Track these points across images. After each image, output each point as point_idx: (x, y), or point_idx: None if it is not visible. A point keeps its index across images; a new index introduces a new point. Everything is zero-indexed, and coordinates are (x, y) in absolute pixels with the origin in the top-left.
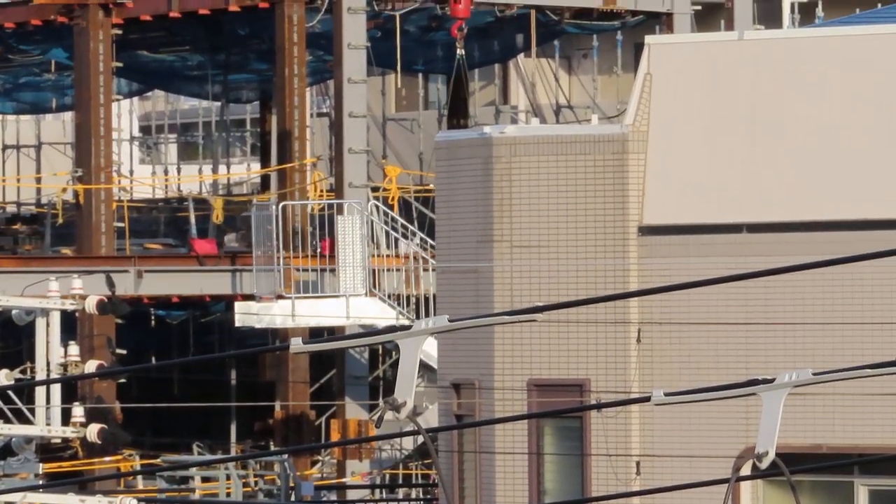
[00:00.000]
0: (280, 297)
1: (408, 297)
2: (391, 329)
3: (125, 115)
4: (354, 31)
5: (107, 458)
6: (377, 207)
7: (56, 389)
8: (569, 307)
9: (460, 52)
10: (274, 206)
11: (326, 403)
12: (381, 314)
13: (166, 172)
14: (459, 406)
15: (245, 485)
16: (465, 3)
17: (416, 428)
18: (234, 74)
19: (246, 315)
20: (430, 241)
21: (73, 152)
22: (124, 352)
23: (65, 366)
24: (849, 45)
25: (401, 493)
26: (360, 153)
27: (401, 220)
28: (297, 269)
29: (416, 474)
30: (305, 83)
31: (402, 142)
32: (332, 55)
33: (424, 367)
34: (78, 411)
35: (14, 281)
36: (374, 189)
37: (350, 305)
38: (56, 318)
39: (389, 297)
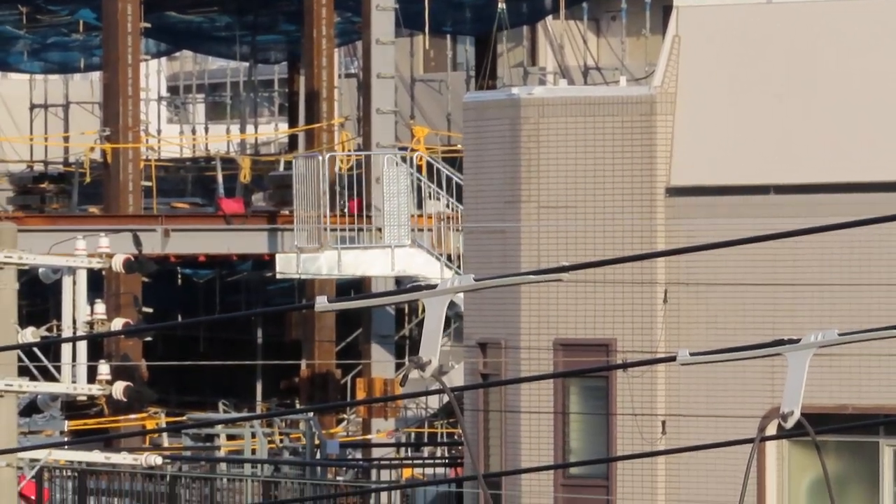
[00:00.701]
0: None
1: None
2: (417, 288)
3: (153, 75)
4: None
5: (132, 416)
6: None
7: (82, 347)
8: (595, 267)
9: (501, 5)
10: (319, 158)
11: (352, 362)
12: (425, 265)
13: (194, 132)
14: (485, 365)
15: (270, 443)
16: None
17: (441, 387)
18: (263, 35)
19: (287, 267)
20: (456, 202)
21: (100, 112)
22: (150, 310)
23: (91, 324)
24: (879, 7)
25: (426, 451)
26: (388, 114)
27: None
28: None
29: (442, 433)
30: (333, 44)
31: (429, 103)
32: (360, 16)
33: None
34: (104, 369)
35: (41, 239)
36: (402, 149)
37: (395, 256)
38: (83, 277)
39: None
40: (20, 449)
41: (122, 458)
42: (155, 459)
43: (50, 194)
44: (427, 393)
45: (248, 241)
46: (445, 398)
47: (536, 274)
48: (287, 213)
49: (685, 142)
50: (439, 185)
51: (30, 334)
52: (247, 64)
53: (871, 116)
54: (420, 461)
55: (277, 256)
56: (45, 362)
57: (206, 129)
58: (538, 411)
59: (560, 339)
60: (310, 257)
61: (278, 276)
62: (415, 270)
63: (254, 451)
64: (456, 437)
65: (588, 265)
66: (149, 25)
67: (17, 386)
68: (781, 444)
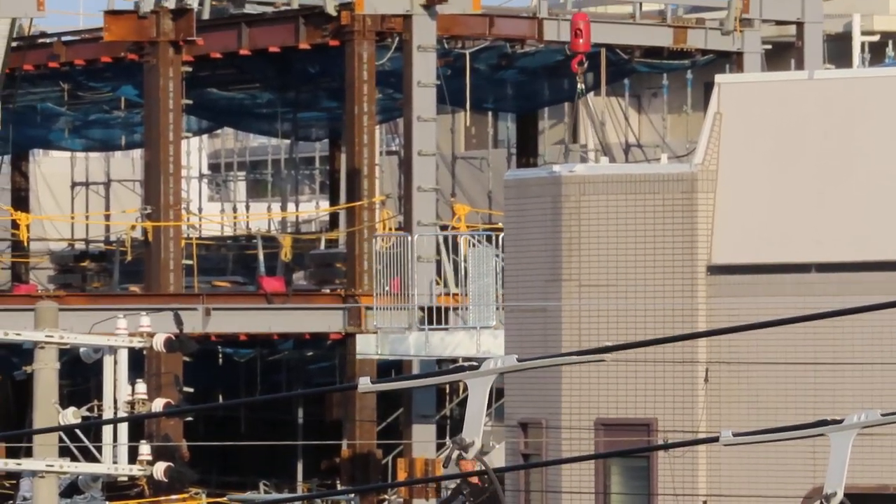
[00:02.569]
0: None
1: None
2: (460, 369)
3: (194, 152)
4: (424, 70)
5: (173, 497)
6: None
7: (123, 427)
8: (637, 347)
9: (581, 86)
10: (410, 237)
11: (393, 442)
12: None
13: (235, 210)
14: (526, 445)
15: None
16: (585, 37)
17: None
18: (304, 112)
19: (366, 348)
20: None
21: (142, 189)
22: (191, 390)
23: (132, 404)
24: None
25: None
26: (429, 191)
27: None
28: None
29: None
30: (375, 121)
31: (470, 180)
32: (401, 93)
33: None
34: (145, 449)
35: (82, 318)
36: (443, 227)
37: (480, 337)
38: (123, 356)
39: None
40: None
41: None
42: None
43: (91, 273)
44: (469, 474)
45: (289, 320)
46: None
47: (579, 354)
48: (328, 291)
49: (726, 219)
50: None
51: (70, 415)
52: (288, 141)
53: None
54: None
55: (358, 337)
56: (87, 442)
57: (247, 207)
58: (580, 491)
59: (601, 418)
60: (398, 338)
61: (359, 356)
62: (500, 351)
63: None
64: None
65: (630, 346)
66: (190, 102)
67: (57, 466)
68: None
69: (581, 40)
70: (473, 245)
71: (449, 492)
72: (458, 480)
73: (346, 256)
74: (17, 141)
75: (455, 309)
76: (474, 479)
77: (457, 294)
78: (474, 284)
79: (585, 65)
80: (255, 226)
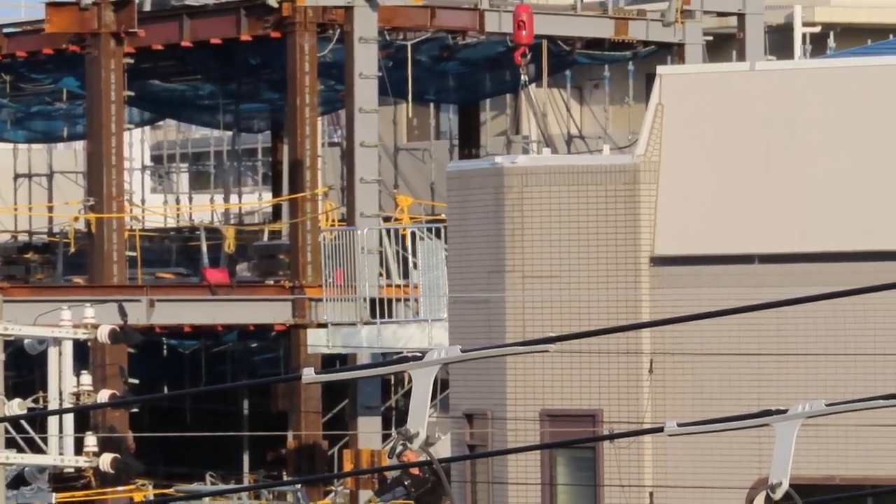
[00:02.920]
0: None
1: None
2: (403, 359)
3: (137, 144)
4: (366, 61)
5: (120, 488)
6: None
7: (69, 419)
8: (581, 338)
9: (524, 77)
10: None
11: (339, 433)
12: None
13: (178, 201)
14: (472, 436)
15: None
16: (528, 29)
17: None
18: (246, 104)
19: (317, 341)
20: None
21: (84, 181)
22: (137, 381)
23: (77, 395)
24: (859, 77)
25: None
26: (372, 183)
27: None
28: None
29: None
30: (317, 113)
31: (413, 171)
32: (343, 85)
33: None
34: (91, 441)
35: (26, 310)
36: (386, 219)
37: (432, 330)
38: (68, 348)
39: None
40: None
41: None
42: None
43: (34, 264)
44: (414, 464)
45: (233, 312)
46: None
47: (524, 345)
48: (272, 283)
49: (669, 211)
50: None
51: (16, 406)
52: (230, 133)
53: (854, 185)
54: None
55: (308, 331)
56: (32, 434)
57: (190, 199)
58: (526, 482)
59: (546, 409)
60: (350, 331)
61: (310, 350)
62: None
63: None
64: None
65: (575, 336)
66: (132, 94)
67: (4, 458)
68: None
69: (524, 32)
70: (422, 238)
71: (388, 481)
72: (399, 472)
73: (289, 248)
74: None
75: (406, 300)
76: (415, 470)
77: (400, 286)
78: (424, 277)
79: (528, 56)
80: (199, 217)
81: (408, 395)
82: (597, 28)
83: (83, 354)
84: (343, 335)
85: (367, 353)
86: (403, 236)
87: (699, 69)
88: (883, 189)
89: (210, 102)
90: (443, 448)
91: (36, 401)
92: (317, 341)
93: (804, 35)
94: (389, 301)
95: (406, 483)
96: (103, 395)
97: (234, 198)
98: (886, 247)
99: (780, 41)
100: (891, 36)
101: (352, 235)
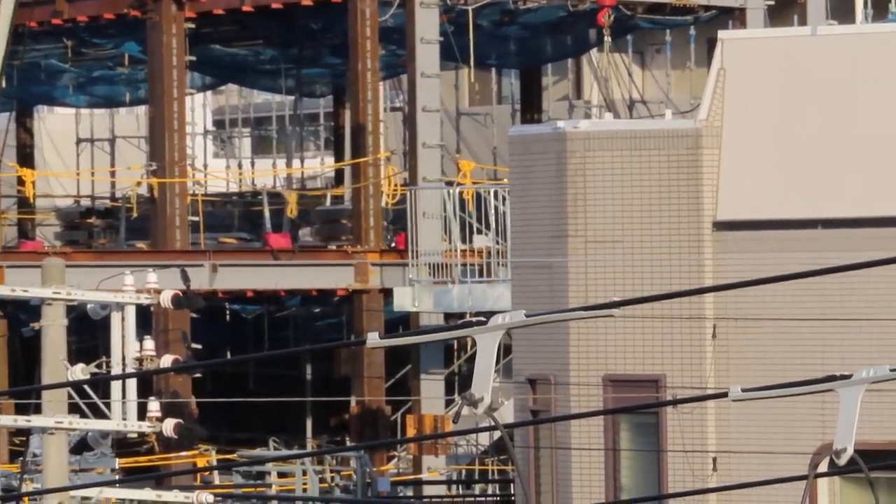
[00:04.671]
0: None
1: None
2: (468, 324)
3: (199, 108)
4: (427, 26)
5: (183, 453)
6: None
7: (132, 384)
8: (644, 302)
9: (607, 39)
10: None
11: (402, 399)
12: None
13: (240, 166)
14: (535, 401)
15: (321, 480)
16: None
17: (492, 423)
18: (308, 69)
19: (403, 301)
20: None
21: (146, 146)
22: (199, 346)
23: (140, 360)
24: None
25: (477, 488)
26: (434, 147)
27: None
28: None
29: (492, 470)
30: (379, 77)
31: (475, 136)
32: (405, 49)
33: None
34: (154, 406)
35: (89, 275)
36: (448, 183)
37: None
38: (131, 313)
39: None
40: (71, 488)
41: (174, 496)
42: (206, 497)
43: (97, 229)
44: (478, 430)
45: (295, 277)
46: (495, 435)
47: (588, 309)
48: (334, 248)
49: (732, 176)
50: (487, 220)
51: (79, 371)
52: (292, 98)
53: None
54: (471, 499)
55: (395, 290)
56: (96, 399)
57: (252, 164)
58: (588, 448)
59: (609, 374)
60: (441, 290)
61: (396, 309)
62: None
63: (305, 489)
64: (507, 474)
65: (638, 301)
66: (194, 59)
67: (67, 423)
68: (834, 481)
69: None
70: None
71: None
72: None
73: (351, 212)
74: (21, 97)
75: (468, 265)
76: None
77: (465, 250)
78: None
79: (611, 17)
80: (261, 182)
81: (470, 360)
82: None
83: (146, 320)
84: (435, 294)
85: (426, 315)
86: (465, 200)
87: (761, 34)
88: None
89: (272, 67)
90: (506, 413)
91: (99, 366)
92: (403, 301)
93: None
94: (448, 266)
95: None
96: (166, 361)
97: (296, 163)
98: None
99: (841, 5)
100: None
101: (414, 198)
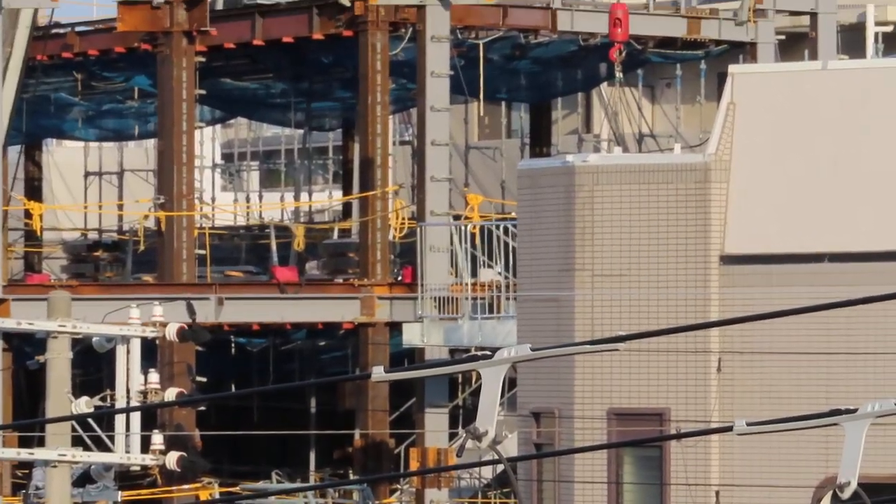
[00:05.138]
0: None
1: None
2: (473, 358)
3: (208, 142)
4: (438, 60)
5: (186, 486)
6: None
7: (136, 417)
8: (650, 336)
9: (619, 75)
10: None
11: (406, 432)
12: None
13: (248, 200)
14: (539, 435)
15: None
16: (624, 27)
17: (496, 457)
18: (317, 102)
19: (412, 336)
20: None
21: (155, 179)
22: (204, 379)
23: (145, 393)
24: None
25: None
26: (443, 181)
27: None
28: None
29: (495, 503)
30: (388, 111)
31: (484, 170)
32: (415, 83)
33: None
34: (157, 439)
35: (95, 308)
36: (456, 217)
37: None
38: (136, 346)
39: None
40: None
41: None
42: None
43: (104, 262)
44: (481, 464)
45: (302, 310)
46: (499, 468)
47: (593, 343)
48: (341, 281)
49: (739, 209)
50: (493, 254)
51: (83, 404)
52: (301, 131)
53: None
54: None
55: (404, 326)
56: (99, 432)
57: (261, 197)
58: (592, 481)
59: (614, 408)
60: (450, 326)
61: (405, 345)
62: None
63: None
64: None
65: (644, 335)
66: (203, 92)
67: (70, 456)
68: None
69: (619, 29)
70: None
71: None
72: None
73: (359, 246)
74: (30, 131)
75: (475, 298)
76: None
77: (474, 283)
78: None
79: (623, 54)
80: (269, 215)
81: (475, 393)
82: (669, 27)
83: (151, 353)
84: (446, 330)
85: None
86: (473, 234)
87: (771, 68)
88: None
89: (281, 101)
90: (510, 447)
91: (103, 399)
92: (412, 336)
93: (876, 34)
94: (455, 300)
95: None
96: (171, 394)
97: (304, 196)
98: None
99: (852, 40)
100: None
101: (422, 232)
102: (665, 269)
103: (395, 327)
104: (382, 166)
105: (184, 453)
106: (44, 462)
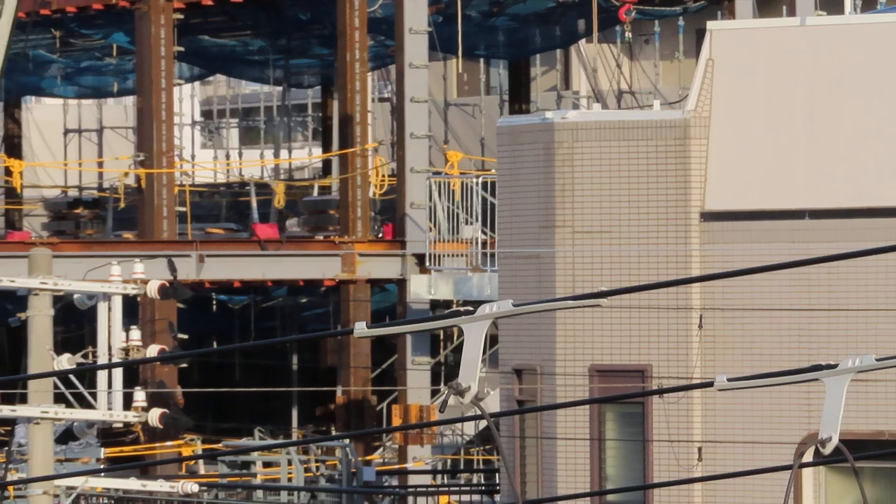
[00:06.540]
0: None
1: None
2: (455, 314)
3: (187, 99)
4: (416, 16)
5: (168, 443)
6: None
7: (118, 374)
8: (631, 293)
9: (628, 35)
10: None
11: (388, 388)
12: None
13: (228, 157)
14: (521, 391)
15: (306, 470)
16: None
17: (478, 413)
18: (296, 59)
19: (420, 290)
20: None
21: (134, 137)
22: (186, 336)
23: (126, 350)
24: None
25: (462, 478)
26: (422, 138)
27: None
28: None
29: (478, 460)
30: (367, 68)
31: (463, 127)
32: (393, 40)
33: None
34: (139, 396)
35: (76, 265)
36: (436, 174)
37: None
38: (118, 303)
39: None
40: (56, 476)
41: (159, 486)
42: (191, 487)
43: (84, 220)
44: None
45: (282, 267)
46: (482, 425)
47: (575, 299)
48: (321, 238)
49: (719, 166)
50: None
51: (65, 361)
52: (280, 88)
53: None
54: (456, 488)
55: (413, 278)
56: (81, 389)
57: (240, 154)
58: (574, 437)
59: (596, 364)
60: (461, 278)
61: (412, 299)
62: None
63: (290, 479)
64: (493, 464)
65: (625, 291)
66: (182, 49)
67: (52, 413)
68: (819, 471)
69: None
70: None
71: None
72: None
73: (339, 203)
74: (8, 88)
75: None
76: None
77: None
78: None
79: (633, 14)
80: (248, 173)
81: (457, 350)
82: None
83: (133, 310)
84: (456, 283)
85: (412, 306)
86: (454, 191)
87: (749, 24)
88: None
89: (260, 58)
90: (492, 403)
91: (85, 356)
92: (419, 289)
93: None
94: (439, 256)
95: None
96: (152, 350)
97: (283, 153)
98: None
99: None
100: None
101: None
102: (645, 225)
103: (375, 284)
104: (362, 123)
105: (166, 410)
106: (26, 419)
